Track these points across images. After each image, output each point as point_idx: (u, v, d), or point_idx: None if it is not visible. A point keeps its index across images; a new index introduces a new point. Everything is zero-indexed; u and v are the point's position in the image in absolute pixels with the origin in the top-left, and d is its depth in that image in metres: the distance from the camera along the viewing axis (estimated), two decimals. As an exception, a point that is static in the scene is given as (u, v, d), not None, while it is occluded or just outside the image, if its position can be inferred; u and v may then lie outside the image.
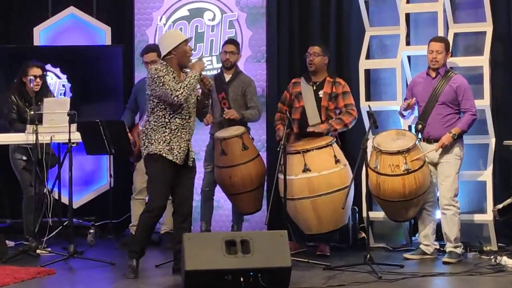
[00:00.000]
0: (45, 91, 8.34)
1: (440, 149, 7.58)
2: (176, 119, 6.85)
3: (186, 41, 6.91)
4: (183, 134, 6.87)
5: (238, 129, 7.99)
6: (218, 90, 8.20)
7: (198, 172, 8.51)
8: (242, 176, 7.89)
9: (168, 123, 6.85)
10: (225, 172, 7.92)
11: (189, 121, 6.89)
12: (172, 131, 6.85)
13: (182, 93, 6.71)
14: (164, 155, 6.82)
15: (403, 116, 7.91)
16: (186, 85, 6.75)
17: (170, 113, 6.84)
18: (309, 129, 7.88)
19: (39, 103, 7.92)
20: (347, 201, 7.32)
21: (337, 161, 7.58)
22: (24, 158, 8.14)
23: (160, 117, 6.85)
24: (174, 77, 6.80)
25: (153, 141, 6.84)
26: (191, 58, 6.95)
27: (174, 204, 7.04)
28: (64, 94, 9.28)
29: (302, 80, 8.12)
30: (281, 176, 7.46)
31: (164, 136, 6.84)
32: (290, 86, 8.22)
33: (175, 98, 6.71)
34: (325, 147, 7.61)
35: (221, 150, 7.88)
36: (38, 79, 8.16)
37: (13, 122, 8.14)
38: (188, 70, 6.88)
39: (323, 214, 7.52)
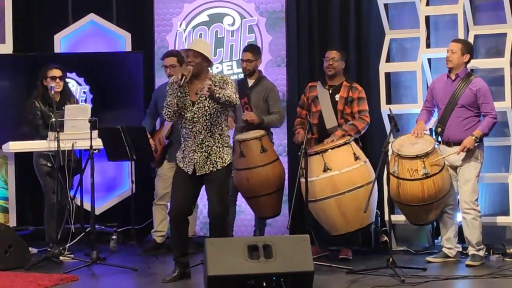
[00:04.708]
0: (68, 94, 8.37)
1: (462, 153, 7.56)
2: (183, 129, 6.96)
3: (186, 51, 6.96)
4: (189, 143, 6.92)
5: (257, 132, 8.01)
6: (241, 95, 8.18)
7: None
8: (260, 178, 7.89)
9: (181, 132, 7.03)
10: (243, 174, 7.92)
11: (193, 130, 6.88)
12: (184, 140, 6.97)
13: (165, 112, 6.90)
14: (177, 162, 7.02)
15: None
16: (166, 103, 6.88)
17: (180, 122, 6.98)
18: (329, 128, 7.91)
19: (63, 107, 7.96)
20: (371, 201, 7.30)
21: (356, 158, 7.58)
22: (49, 164, 8.15)
23: (179, 126, 7.05)
24: (172, 93, 6.87)
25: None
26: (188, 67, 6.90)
27: None
28: (85, 101, 9.30)
29: (319, 84, 8.14)
30: (302, 180, 7.46)
31: (181, 144, 7.03)
32: (306, 90, 8.25)
33: (164, 115, 6.95)
34: (343, 145, 7.62)
35: (239, 152, 7.89)
36: (58, 80, 8.18)
37: (38, 128, 8.15)
38: (207, 79, 6.88)
39: (348, 212, 7.50)
